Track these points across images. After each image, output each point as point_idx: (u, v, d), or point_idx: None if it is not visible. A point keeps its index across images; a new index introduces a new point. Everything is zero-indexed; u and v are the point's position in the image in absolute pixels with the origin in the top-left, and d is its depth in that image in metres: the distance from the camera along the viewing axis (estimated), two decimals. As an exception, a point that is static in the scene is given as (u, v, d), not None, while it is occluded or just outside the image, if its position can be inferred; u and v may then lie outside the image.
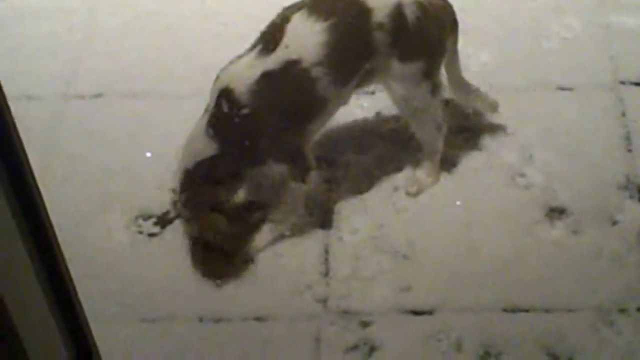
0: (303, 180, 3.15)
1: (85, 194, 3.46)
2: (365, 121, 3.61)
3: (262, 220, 3.27)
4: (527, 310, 3.03)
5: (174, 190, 3.29)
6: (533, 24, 4.03)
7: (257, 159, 3.08)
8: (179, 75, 3.91)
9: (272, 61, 2.96)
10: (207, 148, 3.04)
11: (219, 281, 3.15)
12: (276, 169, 3.12)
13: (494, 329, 3.00)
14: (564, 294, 3.07)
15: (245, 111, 2.96)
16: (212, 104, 3.03)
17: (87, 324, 1.68)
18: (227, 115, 2.99)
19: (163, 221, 3.35)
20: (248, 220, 3.24)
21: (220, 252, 3.15)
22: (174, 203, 3.28)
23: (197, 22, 4.16)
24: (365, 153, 3.48)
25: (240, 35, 3.88)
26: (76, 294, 1.64)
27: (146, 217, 3.36)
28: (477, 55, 3.83)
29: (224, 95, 2.98)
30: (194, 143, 3.08)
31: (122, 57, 4.01)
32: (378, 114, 3.63)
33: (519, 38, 3.97)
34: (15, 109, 3.77)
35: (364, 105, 3.64)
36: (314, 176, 3.18)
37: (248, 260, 3.21)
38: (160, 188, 3.43)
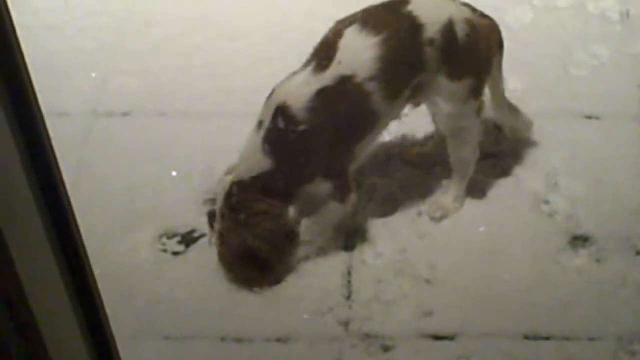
0: (344, 201, 3.16)
1: (111, 212, 3.48)
2: (391, 145, 3.62)
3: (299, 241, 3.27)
4: (548, 338, 3.02)
5: (210, 202, 3.29)
6: (562, 51, 4.04)
7: (308, 177, 3.10)
8: (206, 95, 3.94)
9: (327, 78, 2.98)
10: (262, 164, 3.05)
11: (257, 289, 3.17)
12: (322, 188, 3.13)
13: (515, 355, 2.99)
14: (586, 323, 3.06)
15: (302, 128, 2.98)
16: (268, 120, 3.03)
17: (113, 340, 1.69)
18: (283, 131, 3.00)
19: (187, 240, 3.37)
20: (294, 239, 3.23)
21: (262, 264, 3.16)
22: (210, 214, 3.26)
23: (225, 43, 4.18)
24: (390, 177, 3.49)
25: (268, 56, 3.96)
26: (104, 309, 1.65)
27: (171, 236, 3.38)
28: (506, 81, 3.83)
29: (281, 111, 3.00)
30: (250, 158, 3.08)
31: (150, 76, 4.05)
32: (405, 138, 3.64)
33: (548, 65, 3.99)
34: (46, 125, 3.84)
35: (390, 129, 3.64)
36: (353, 198, 3.18)
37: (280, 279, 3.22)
38: (185, 207, 3.45)
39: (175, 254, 3.34)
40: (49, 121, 3.79)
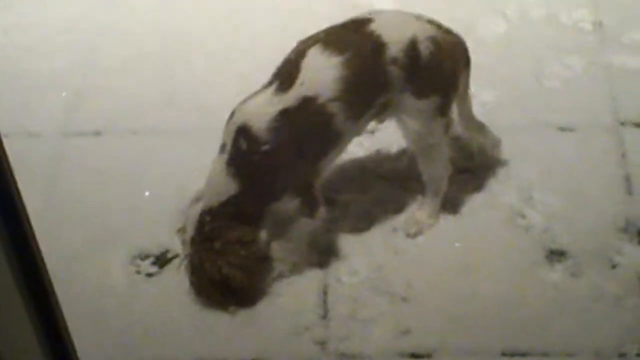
0: (312, 215, 3.14)
1: (83, 233, 3.45)
2: (365, 160, 3.60)
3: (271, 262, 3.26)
4: (525, 355, 3.00)
5: (181, 230, 3.26)
6: (535, 63, 4.02)
7: (276, 195, 3.08)
8: (178, 112, 3.91)
9: (290, 99, 2.97)
10: (229, 187, 3.03)
11: (232, 308, 3.15)
12: (289, 205, 3.11)
13: (493, 372, 2.98)
14: (564, 338, 3.04)
15: (264, 148, 2.97)
16: (230, 142, 3.02)
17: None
18: (246, 152, 2.99)
19: (161, 261, 3.34)
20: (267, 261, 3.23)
21: (237, 289, 3.13)
22: (183, 241, 3.23)
23: (198, 60, 4.16)
24: (364, 193, 3.47)
25: (240, 73, 3.94)
26: (68, 334, 1.62)
27: (144, 257, 3.35)
28: (478, 93, 3.81)
29: (242, 132, 2.99)
30: (216, 182, 3.07)
31: (121, 94, 4.02)
32: (378, 153, 3.62)
33: (521, 77, 3.97)
34: (15, 145, 3.81)
35: (364, 144, 3.62)
36: (322, 212, 3.16)
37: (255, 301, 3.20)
38: (158, 227, 3.42)
39: (149, 275, 3.31)
40: (20, 141, 3.83)
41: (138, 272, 3.32)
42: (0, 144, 1.38)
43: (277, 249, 3.23)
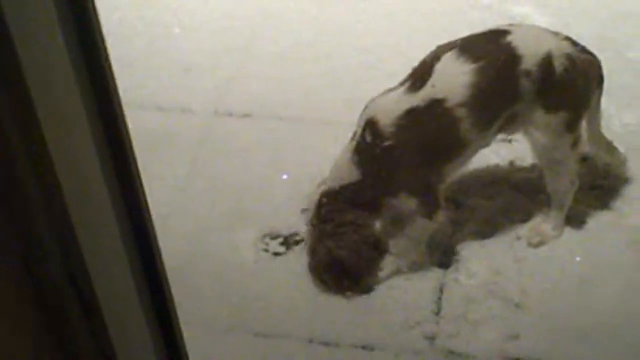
0: (430, 217, 3.20)
1: (220, 209, 3.62)
2: (498, 168, 3.66)
3: (386, 252, 3.35)
4: (630, 375, 3.02)
5: (305, 211, 3.38)
6: (683, 89, 4.00)
7: (392, 191, 3.16)
8: (326, 103, 4.06)
9: (418, 98, 3.04)
10: (351, 174, 3.14)
11: (348, 293, 3.26)
12: (407, 203, 3.18)
13: (594, 388, 3.01)
14: (672, 363, 3.05)
15: (387, 143, 3.05)
16: (359, 133, 3.13)
17: (180, 333, 1.77)
18: (370, 145, 3.09)
19: (289, 242, 3.48)
20: (381, 249, 3.32)
21: (349, 273, 3.24)
22: (306, 223, 3.36)
23: (351, 55, 4.30)
24: (493, 199, 3.53)
25: (391, 71, 3.99)
26: (173, 302, 1.73)
27: (274, 237, 3.49)
28: (620, 115, 3.84)
29: (370, 126, 3.08)
30: (340, 167, 3.19)
31: (274, 81, 4.19)
32: (512, 162, 3.68)
33: (666, 102, 3.96)
34: (168, 120, 4.05)
35: (500, 152, 3.68)
36: (441, 215, 3.21)
37: (370, 288, 3.30)
38: (290, 210, 3.57)
39: (276, 254, 3.45)
40: (173, 116, 4.04)
41: (266, 251, 3.46)
42: (122, 119, 1.47)
43: (394, 244, 3.32)
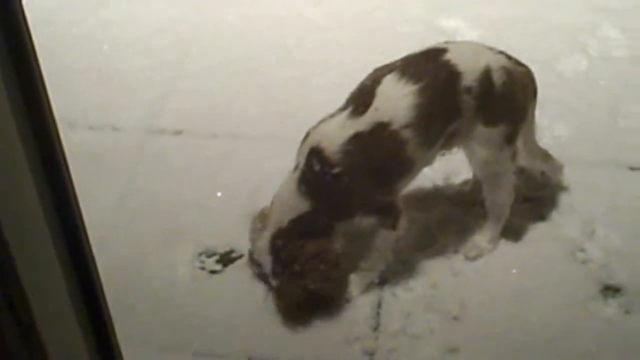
0: (394, 228, 3.19)
1: (155, 228, 3.58)
2: (432, 181, 3.67)
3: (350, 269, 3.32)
4: (569, 386, 3.04)
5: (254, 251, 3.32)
6: (613, 101, 4.06)
7: (347, 214, 3.14)
8: (259, 119, 4.05)
9: (363, 123, 3.02)
10: (301, 205, 3.09)
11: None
12: (367, 221, 3.17)
13: (535, 399, 3.02)
14: (609, 373, 3.07)
15: (336, 170, 3.02)
16: (303, 162, 3.08)
17: (120, 356, 1.74)
18: (318, 173, 3.05)
19: (225, 260, 3.44)
20: (344, 266, 3.27)
21: (326, 300, 3.23)
22: (250, 255, 3.32)
23: (283, 70, 4.30)
24: (428, 212, 3.54)
25: (322, 86, 4.05)
26: (110, 318, 1.70)
27: (210, 254, 3.46)
28: (552, 127, 3.87)
29: (315, 153, 3.05)
30: (286, 200, 3.13)
31: (206, 97, 4.17)
32: (446, 176, 3.69)
33: (597, 114, 4.01)
34: (101, 137, 4.00)
35: (434, 166, 3.67)
36: (403, 223, 3.21)
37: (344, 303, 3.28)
38: (226, 227, 3.54)
39: (213, 272, 3.42)
40: (105, 134, 4.00)
41: (202, 269, 3.42)
42: (56, 134, 1.44)
43: (364, 260, 3.30)
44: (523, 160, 3.43)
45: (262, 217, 3.28)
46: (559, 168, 3.55)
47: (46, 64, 1.57)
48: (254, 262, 3.31)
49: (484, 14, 4.59)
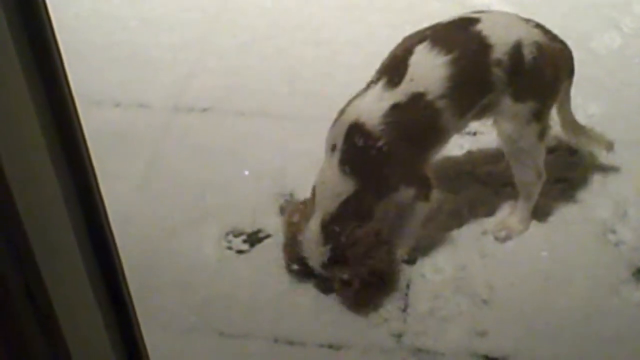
0: (427, 199, 3.17)
1: (181, 207, 3.54)
2: (462, 162, 3.62)
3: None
4: (598, 370, 2.99)
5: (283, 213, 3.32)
6: (646, 79, 3.98)
7: (393, 187, 3.11)
8: (285, 98, 4.01)
9: (400, 93, 2.99)
10: (347, 186, 3.02)
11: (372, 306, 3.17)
12: (406, 193, 3.14)
13: (564, 383, 2.97)
14: (638, 358, 3.01)
15: (380, 143, 2.98)
16: (341, 141, 3.02)
17: (141, 337, 1.71)
18: (362, 149, 3.00)
19: (253, 240, 3.41)
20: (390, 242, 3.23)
21: (384, 278, 3.18)
22: (289, 252, 3.22)
23: (309, 49, 4.26)
24: (458, 193, 3.49)
25: (349, 64, 4.00)
26: (132, 303, 1.67)
27: (237, 234, 3.43)
28: (585, 105, 3.81)
29: (356, 129, 3.00)
30: (330, 186, 3.05)
31: (233, 75, 4.13)
32: (476, 156, 3.64)
33: (631, 93, 3.95)
34: (127, 115, 3.98)
35: (464, 145, 3.65)
36: (435, 194, 3.18)
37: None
38: (254, 207, 3.51)
39: (240, 252, 3.38)
40: (132, 112, 3.97)
41: (229, 248, 3.39)
42: (76, 114, 1.41)
43: (399, 235, 3.25)
44: (565, 136, 3.41)
45: (297, 210, 3.21)
46: (608, 144, 3.49)
47: (72, 41, 1.55)
48: (294, 258, 3.21)
49: (516, -9, 4.53)
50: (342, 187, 3.02)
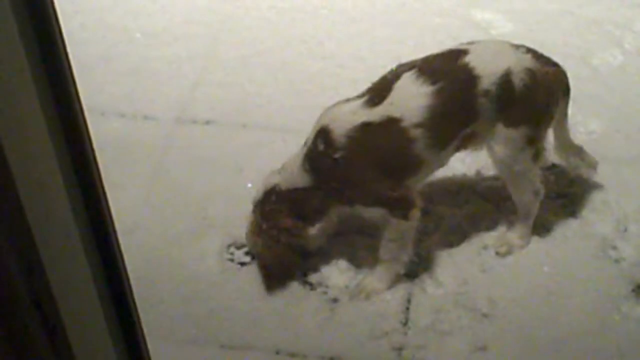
0: (406, 218, 3.15)
1: (184, 219, 3.56)
2: (464, 176, 3.64)
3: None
4: (598, 385, 3.00)
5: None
6: (646, 100, 4.00)
7: (344, 201, 3.14)
8: (288, 110, 4.03)
9: (375, 113, 3.02)
10: (301, 179, 3.12)
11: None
12: (373, 212, 3.15)
13: (564, 399, 2.99)
14: (638, 374, 3.04)
15: (338, 154, 3.02)
16: (311, 140, 3.10)
17: (146, 348, 1.73)
18: (321, 154, 3.05)
19: (254, 252, 3.43)
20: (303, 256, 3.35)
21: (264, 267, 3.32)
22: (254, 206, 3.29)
23: (314, 62, 4.27)
24: (459, 207, 3.51)
25: (353, 78, 4.00)
26: (137, 314, 1.68)
27: (239, 246, 3.44)
28: (586, 123, 3.84)
29: (322, 134, 3.05)
30: (291, 171, 3.15)
31: (237, 88, 4.15)
32: (478, 171, 3.66)
33: (631, 110, 3.97)
34: (131, 127, 3.99)
35: (465, 160, 3.66)
36: (416, 213, 3.16)
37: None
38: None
39: (242, 264, 3.40)
40: (136, 123, 3.98)
41: (231, 260, 3.41)
42: (84, 123, 1.42)
43: (383, 251, 3.25)
44: (556, 156, 3.40)
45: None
46: (592, 164, 3.51)
47: (77, 53, 1.56)
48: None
49: (518, 8, 4.54)
50: (297, 177, 3.13)
